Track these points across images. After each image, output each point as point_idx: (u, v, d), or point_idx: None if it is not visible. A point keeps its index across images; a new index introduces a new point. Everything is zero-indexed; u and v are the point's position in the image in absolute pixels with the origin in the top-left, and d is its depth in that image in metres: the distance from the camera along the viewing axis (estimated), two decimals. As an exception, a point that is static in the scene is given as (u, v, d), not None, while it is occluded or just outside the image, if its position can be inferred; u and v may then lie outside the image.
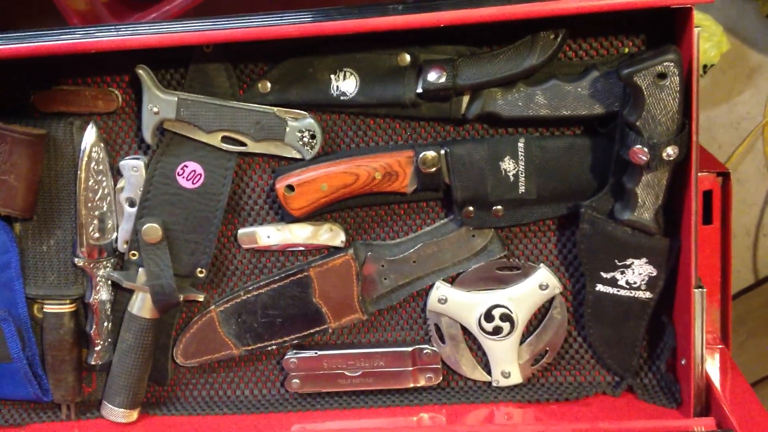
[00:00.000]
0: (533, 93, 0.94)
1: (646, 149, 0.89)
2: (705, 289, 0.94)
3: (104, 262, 1.04)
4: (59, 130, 1.01)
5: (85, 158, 1.00)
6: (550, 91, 0.94)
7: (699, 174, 0.91)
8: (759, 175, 1.50)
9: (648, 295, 0.98)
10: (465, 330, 1.06)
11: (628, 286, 0.98)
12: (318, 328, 1.06)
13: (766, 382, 1.42)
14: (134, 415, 1.07)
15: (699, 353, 0.96)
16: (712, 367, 1.02)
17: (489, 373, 1.06)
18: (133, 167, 1.02)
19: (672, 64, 0.86)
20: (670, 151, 0.89)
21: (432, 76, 0.94)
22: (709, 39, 1.33)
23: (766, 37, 1.44)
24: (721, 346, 1.06)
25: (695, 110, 0.89)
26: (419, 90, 0.95)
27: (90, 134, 1.00)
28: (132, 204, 1.03)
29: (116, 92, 1.00)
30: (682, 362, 0.98)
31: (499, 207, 0.98)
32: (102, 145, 1.01)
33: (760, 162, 1.50)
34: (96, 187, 1.01)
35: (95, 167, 1.01)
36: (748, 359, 1.36)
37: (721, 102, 1.46)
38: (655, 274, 0.97)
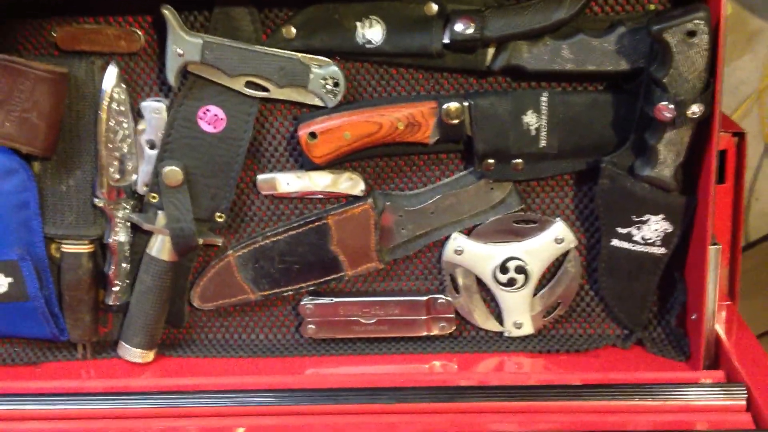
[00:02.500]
0: (559, 47, 0.94)
1: (671, 106, 0.89)
2: (720, 246, 0.96)
3: (123, 204, 1.04)
4: (81, 70, 1.00)
5: (107, 99, 1.00)
6: (577, 45, 0.94)
7: (717, 133, 0.92)
8: (754, 140, 1.51)
9: (662, 251, 1.00)
10: (479, 281, 1.07)
11: (643, 242, 0.99)
12: (334, 276, 1.07)
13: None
14: (151, 355, 1.09)
15: (711, 309, 0.98)
16: (721, 322, 1.04)
17: (501, 323, 1.08)
18: (155, 109, 1.01)
19: (702, 21, 0.86)
20: (696, 109, 0.89)
21: (459, 27, 0.93)
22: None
23: (765, 3, 1.44)
24: (728, 303, 1.08)
25: (720, 69, 0.89)
26: (446, 40, 0.95)
27: (111, 74, 1.00)
28: (153, 146, 1.03)
29: (139, 32, 1.00)
30: (693, 317, 1.00)
31: (520, 160, 0.99)
32: (123, 85, 1.01)
33: (756, 127, 1.50)
34: (117, 128, 1.01)
35: (116, 108, 1.01)
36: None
37: (719, 66, 1.46)
38: (670, 230, 0.98)
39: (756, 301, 1.44)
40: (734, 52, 1.45)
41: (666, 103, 0.89)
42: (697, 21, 0.87)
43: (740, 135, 1.04)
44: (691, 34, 0.87)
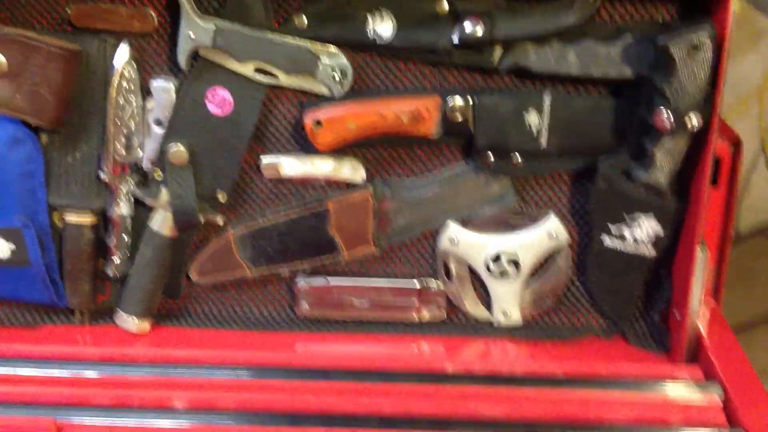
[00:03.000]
0: (566, 50, 0.97)
1: (671, 116, 0.92)
2: (707, 249, 0.99)
3: (128, 178, 1.06)
4: (93, 47, 1.01)
5: (117, 76, 1.01)
6: (583, 50, 0.96)
7: (713, 142, 0.95)
8: (751, 136, 1.54)
9: (651, 251, 1.03)
10: (471, 270, 1.10)
11: (634, 242, 1.03)
12: (331, 258, 1.09)
13: (737, 334, 1.48)
14: (147, 325, 1.11)
15: (695, 307, 1.01)
16: (703, 320, 1.08)
17: (490, 311, 1.11)
18: (164, 89, 1.03)
19: (707, 37, 0.89)
20: (694, 120, 0.92)
21: (469, 27, 0.95)
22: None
23: (774, 3, 1.46)
24: (712, 302, 1.12)
25: (721, 84, 0.92)
26: (455, 39, 0.96)
27: (123, 53, 1.01)
28: (160, 124, 1.04)
29: (152, 13, 1.00)
30: (676, 314, 1.04)
31: (519, 158, 1.02)
32: (134, 64, 1.02)
33: (754, 124, 1.54)
34: (125, 105, 1.03)
35: (126, 86, 1.02)
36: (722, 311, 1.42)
37: (723, 62, 1.49)
38: (661, 232, 1.02)
39: (739, 293, 1.48)
40: (739, 50, 1.48)
41: (666, 112, 0.92)
42: (703, 36, 0.89)
43: (736, 142, 1.08)
44: (696, 48, 0.89)
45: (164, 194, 1.06)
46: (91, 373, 1.02)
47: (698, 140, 0.96)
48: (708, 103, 0.93)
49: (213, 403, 0.98)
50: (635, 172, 0.98)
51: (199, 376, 1.01)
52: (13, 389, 1.00)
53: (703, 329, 1.04)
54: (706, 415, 0.96)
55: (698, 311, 1.02)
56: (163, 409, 0.98)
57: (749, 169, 1.56)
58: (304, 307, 1.12)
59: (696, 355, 1.04)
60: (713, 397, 0.97)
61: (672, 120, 0.92)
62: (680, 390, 0.98)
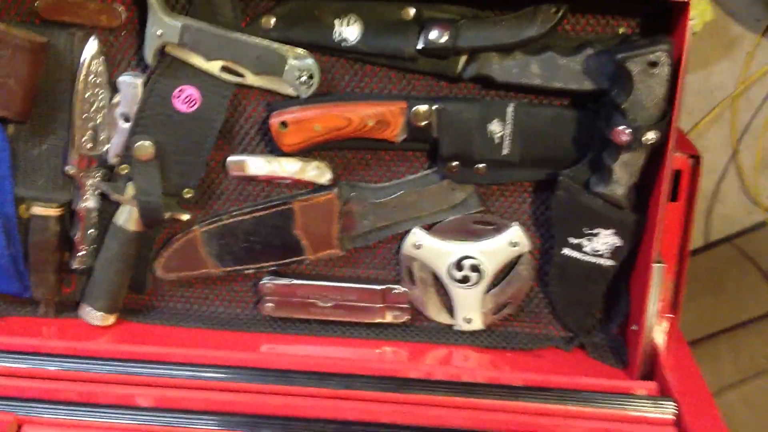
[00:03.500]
0: (528, 61, 0.97)
1: (628, 131, 0.93)
2: (664, 265, 1.00)
3: (94, 173, 1.07)
4: (61, 40, 1.02)
5: (84, 70, 1.02)
6: (545, 61, 0.97)
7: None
8: (723, 144, 1.55)
9: (610, 263, 1.04)
10: (434, 275, 1.11)
11: (593, 253, 1.03)
12: (295, 258, 1.10)
13: (703, 343, 1.49)
14: (112, 319, 1.12)
15: (650, 322, 1.02)
16: (660, 335, 1.08)
17: (452, 317, 1.12)
18: (131, 84, 1.03)
19: (664, 54, 0.90)
20: (651, 136, 0.93)
21: (434, 35, 0.96)
22: (694, 7, 1.35)
23: (747, 10, 1.47)
24: (670, 316, 1.13)
25: (679, 100, 0.92)
26: (420, 46, 0.97)
27: (91, 47, 1.02)
28: (126, 119, 1.05)
29: (120, 9, 1.01)
30: (633, 328, 1.05)
31: (482, 165, 1.03)
32: (102, 59, 1.02)
33: (726, 131, 1.54)
34: (92, 99, 1.03)
35: (93, 80, 1.03)
36: (688, 320, 1.41)
37: (697, 69, 1.50)
38: (619, 244, 1.02)
39: (706, 301, 1.49)
40: (712, 57, 1.49)
41: (623, 127, 0.93)
42: (660, 53, 0.90)
43: (695, 157, 1.08)
44: (653, 65, 0.90)
45: (130, 189, 1.06)
46: (54, 367, 1.03)
47: (656, 155, 0.97)
48: (665, 119, 0.93)
49: (176, 402, 0.99)
50: (594, 184, 0.99)
51: (163, 374, 1.02)
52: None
53: (659, 344, 1.05)
54: (659, 431, 0.96)
55: (654, 326, 1.02)
56: (126, 406, 0.98)
57: (720, 178, 1.57)
58: (269, 306, 1.13)
59: (652, 370, 1.04)
60: (666, 413, 0.97)
61: (630, 135, 0.93)
62: (634, 405, 0.99)
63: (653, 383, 1.03)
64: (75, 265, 1.10)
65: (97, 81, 1.03)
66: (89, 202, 1.08)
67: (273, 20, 1.00)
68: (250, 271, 1.12)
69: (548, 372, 1.06)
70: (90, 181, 1.07)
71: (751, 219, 1.58)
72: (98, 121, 1.04)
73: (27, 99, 1.01)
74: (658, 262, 1.00)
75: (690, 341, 1.42)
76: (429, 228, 1.09)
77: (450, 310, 1.12)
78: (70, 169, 1.06)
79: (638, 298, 1.03)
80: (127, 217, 1.07)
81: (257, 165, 1.07)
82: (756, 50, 1.48)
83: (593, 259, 1.04)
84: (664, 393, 1.01)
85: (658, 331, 1.06)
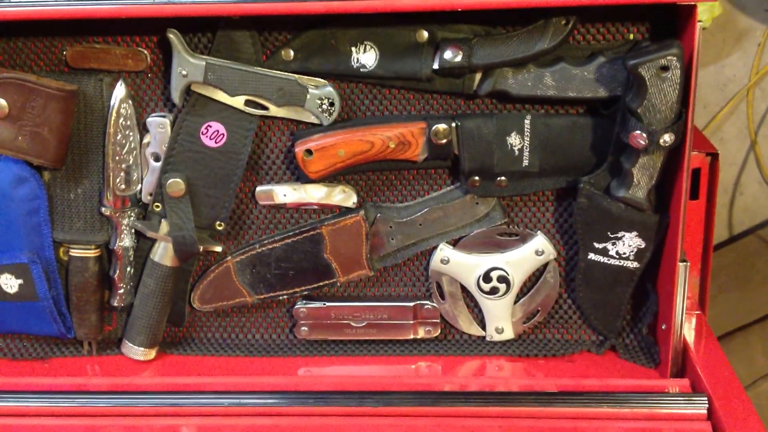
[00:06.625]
0: (542, 74, 1.00)
1: (645, 135, 0.95)
2: (689, 263, 1.02)
3: (129, 212, 1.10)
4: (90, 86, 1.06)
5: (114, 114, 1.06)
6: (558, 73, 1.00)
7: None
8: (741, 135, 1.57)
9: (635, 265, 1.06)
10: (464, 288, 1.13)
11: (617, 256, 1.06)
12: (327, 281, 1.13)
13: (734, 335, 1.50)
14: (152, 353, 1.15)
15: (679, 320, 1.04)
16: (689, 331, 1.10)
17: (484, 328, 1.15)
18: (160, 124, 1.07)
19: (675, 58, 0.92)
20: (667, 138, 0.96)
21: (448, 55, 0.99)
22: (702, 3, 1.37)
23: (755, 2, 1.49)
24: (698, 312, 1.15)
25: (692, 101, 0.95)
26: (435, 66, 1.00)
27: (119, 91, 1.05)
28: (157, 159, 1.08)
29: (145, 52, 1.05)
30: (663, 327, 1.07)
31: (503, 178, 1.05)
32: (130, 101, 1.06)
33: (743, 123, 1.56)
34: (123, 141, 1.07)
35: (123, 122, 1.06)
36: (718, 313, 1.43)
37: (709, 63, 1.52)
38: (643, 246, 1.04)
39: (734, 294, 1.50)
40: (723, 50, 1.51)
41: (640, 131, 0.95)
42: (670, 57, 0.92)
43: (713, 155, 1.11)
44: (665, 69, 0.93)
45: (164, 226, 1.10)
46: (99, 404, 1.05)
47: (674, 155, 0.99)
48: (680, 121, 0.96)
49: (220, 430, 1.01)
50: (615, 189, 1.02)
51: (205, 403, 1.04)
52: (25, 422, 1.03)
53: (689, 341, 1.06)
54: (693, 426, 0.98)
55: (683, 323, 1.04)
56: (172, 436, 1.00)
57: (740, 170, 1.59)
58: (304, 330, 1.16)
59: (684, 366, 1.06)
60: (698, 409, 0.99)
61: (646, 138, 0.95)
62: (667, 403, 1.00)
63: (685, 380, 1.05)
64: (115, 303, 1.13)
65: (127, 123, 1.06)
66: (125, 241, 1.11)
67: (292, 52, 1.03)
68: (284, 297, 1.14)
69: (581, 376, 1.08)
70: (125, 221, 1.10)
71: (773, 209, 1.60)
72: (130, 162, 1.08)
73: (60, 146, 1.04)
74: (683, 261, 1.02)
75: (721, 334, 1.44)
76: (455, 243, 1.12)
77: (481, 322, 1.15)
78: (106, 210, 1.09)
79: (665, 298, 1.05)
80: (163, 253, 1.11)
81: (285, 193, 1.10)
82: (767, 41, 1.49)
83: (619, 262, 1.06)
84: (696, 389, 1.02)
85: (687, 329, 1.08)
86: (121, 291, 1.13)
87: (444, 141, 1.03)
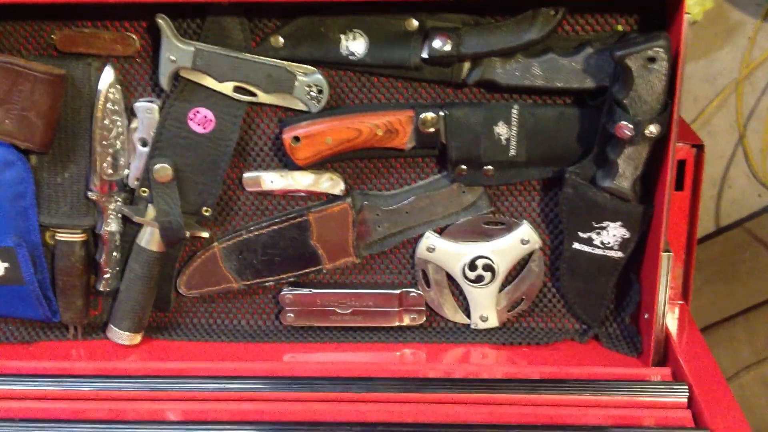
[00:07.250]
0: (530, 64, 1.01)
1: (630, 125, 0.96)
2: (672, 253, 1.03)
3: (115, 197, 1.10)
4: (78, 71, 1.05)
5: (102, 98, 1.06)
6: (546, 63, 1.01)
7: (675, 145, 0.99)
8: (730, 129, 1.58)
9: (619, 254, 1.07)
10: (449, 276, 1.14)
11: (602, 246, 1.07)
12: (313, 268, 1.14)
13: (719, 327, 1.52)
14: (138, 338, 1.15)
15: (661, 310, 1.05)
16: (672, 321, 1.12)
17: (468, 316, 1.15)
18: (147, 109, 1.07)
19: (662, 49, 0.93)
20: (653, 129, 0.96)
21: (437, 44, 1.00)
22: (692, -3, 1.38)
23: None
24: (681, 303, 1.16)
25: (678, 93, 0.96)
26: (424, 55, 1.01)
27: (107, 75, 1.05)
28: (144, 144, 1.08)
29: (134, 37, 1.05)
30: (645, 316, 1.08)
31: (490, 167, 1.06)
32: (118, 86, 1.06)
33: (732, 117, 1.57)
34: (111, 126, 1.07)
35: (111, 107, 1.06)
36: (704, 304, 1.44)
37: (699, 57, 1.53)
38: (628, 236, 1.06)
39: (720, 286, 1.51)
40: (714, 44, 1.52)
41: (626, 122, 0.96)
42: (657, 48, 0.93)
43: (699, 147, 1.12)
44: (652, 60, 0.94)
45: (151, 211, 1.10)
46: (84, 388, 1.05)
47: (659, 146, 1.00)
48: (666, 112, 0.96)
49: (205, 414, 1.02)
50: (600, 179, 1.03)
51: (190, 388, 1.05)
52: (9, 405, 1.03)
53: (672, 331, 1.08)
54: (673, 414, 0.99)
55: (665, 313, 1.05)
56: (156, 421, 1.01)
57: (728, 163, 1.60)
58: (290, 316, 1.16)
59: (666, 356, 1.07)
60: (679, 397, 1.00)
61: (632, 129, 0.96)
62: (649, 391, 1.01)
63: (666, 369, 1.06)
64: (101, 287, 1.13)
65: (115, 108, 1.06)
66: (112, 226, 1.11)
67: (281, 39, 1.03)
68: (270, 284, 1.15)
69: (565, 364, 1.09)
70: (112, 206, 1.10)
71: (761, 202, 1.61)
72: (117, 147, 1.08)
73: (48, 130, 1.04)
74: (667, 251, 1.03)
75: (706, 325, 1.45)
76: (441, 231, 1.13)
77: (465, 309, 1.16)
78: (93, 195, 1.09)
79: (649, 287, 1.06)
80: (149, 238, 1.11)
81: (272, 180, 1.10)
82: (757, 35, 1.51)
83: (603, 252, 1.07)
84: (677, 377, 1.04)
85: (669, 318, 1.09)
86: (107, 275, 1.13)
87: (432, 130, 1.04)
